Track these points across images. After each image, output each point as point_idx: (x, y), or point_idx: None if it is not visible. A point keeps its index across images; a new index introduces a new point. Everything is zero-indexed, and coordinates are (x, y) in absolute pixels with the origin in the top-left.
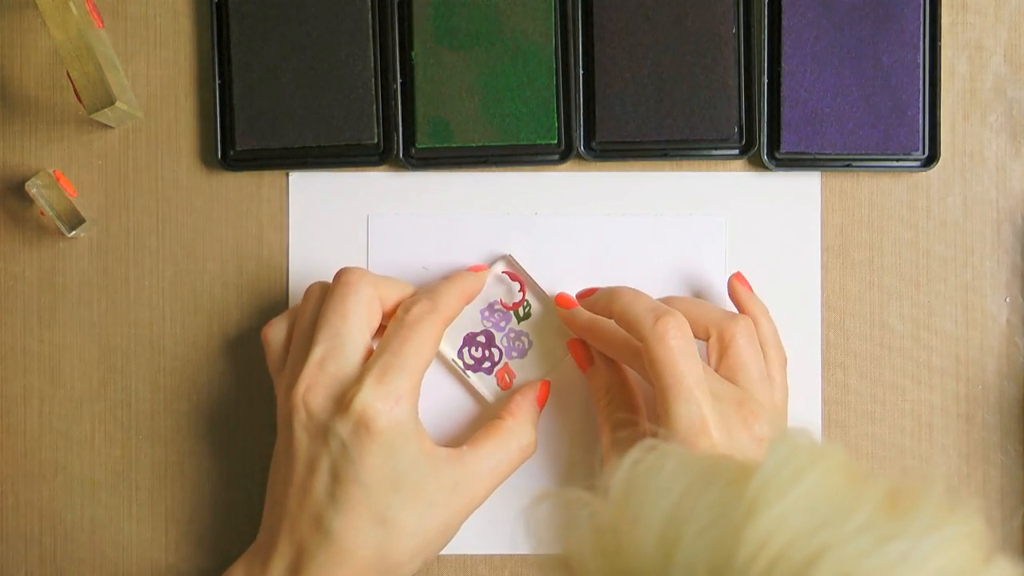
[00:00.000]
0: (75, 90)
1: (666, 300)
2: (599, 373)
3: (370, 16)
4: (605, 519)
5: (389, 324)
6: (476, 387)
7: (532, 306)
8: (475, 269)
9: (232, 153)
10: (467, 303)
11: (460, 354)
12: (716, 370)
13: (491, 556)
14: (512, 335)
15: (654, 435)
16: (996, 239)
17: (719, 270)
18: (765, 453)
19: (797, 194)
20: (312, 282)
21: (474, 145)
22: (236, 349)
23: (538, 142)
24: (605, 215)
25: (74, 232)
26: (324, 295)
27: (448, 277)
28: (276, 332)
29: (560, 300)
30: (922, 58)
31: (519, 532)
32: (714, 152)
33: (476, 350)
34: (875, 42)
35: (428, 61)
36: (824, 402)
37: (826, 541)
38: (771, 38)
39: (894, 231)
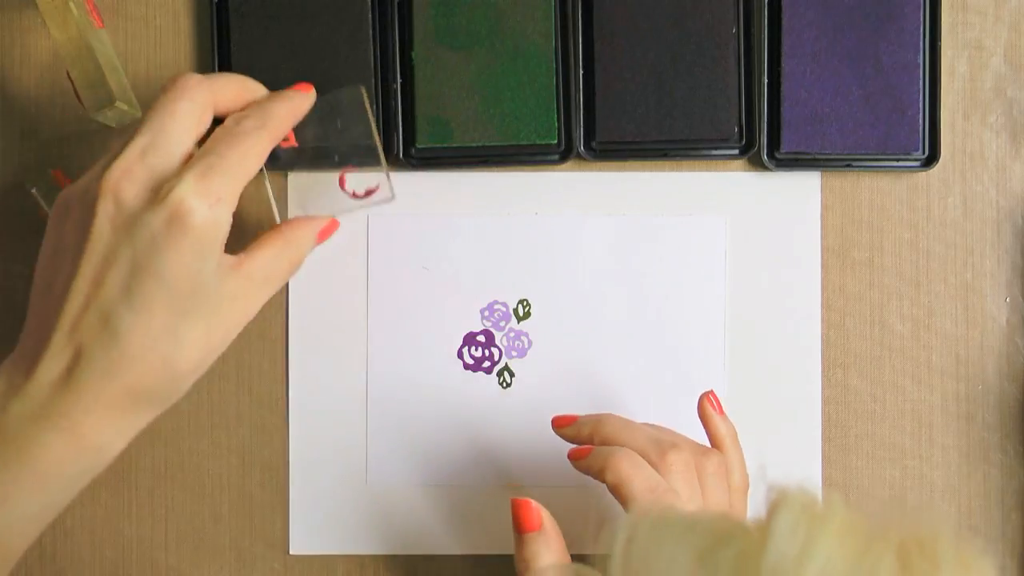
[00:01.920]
0: (75, 90)
1: (630, 427)
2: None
3: (370, 16)
4: None
5: (216, 131)
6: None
7: (532, 305)
8: (301, 87)
9: None
10: (295, 121)
11: (460, 354)
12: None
13: (493, 556)
14: (512, 335)
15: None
16: (996, 239)
17: (719, 270)
18: (769, 523)
19: (797, 194)
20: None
21: (474, 145)
22: (236, 349)
23: (538, 142)
24: (605, 215)
25: None
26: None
27: (278, 94)
28: None
29: (557, 422)
30: (922, 58)
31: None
32: (714, 152)
33: (476, 350)
34: (875, 42)
35: (428, 61)
36: (824, 402)
37: None
38: (771, 38)
39: (894, 231)
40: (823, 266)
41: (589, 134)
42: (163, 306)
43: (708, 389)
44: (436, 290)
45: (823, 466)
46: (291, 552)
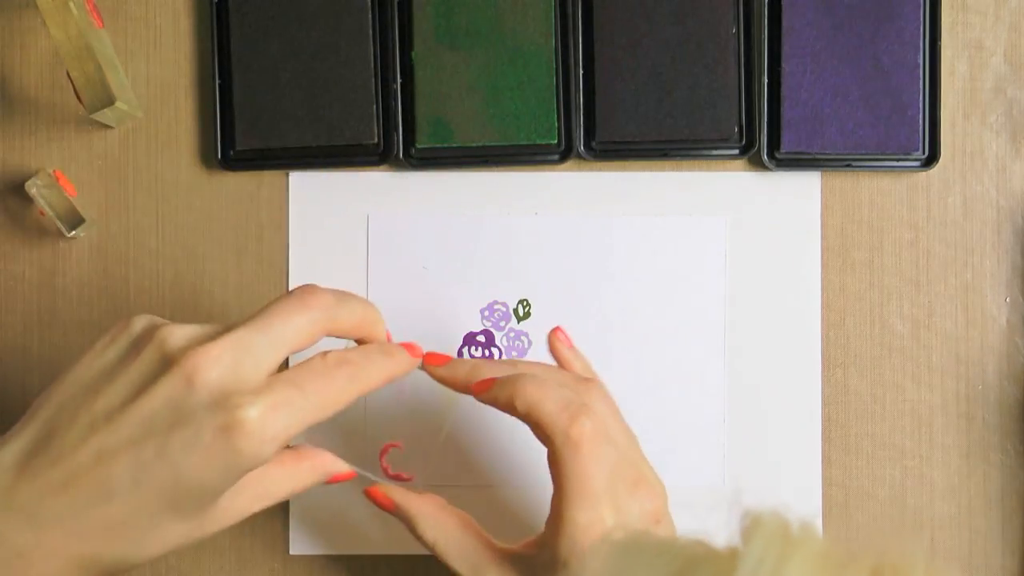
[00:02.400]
0: (75, 90)
1: (513, 362)
2: (414, 516)
3: (370, 16)
4: None
5: (315, 359)
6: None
7: (532, 305)
8: (407, 347)
9: (232, 153)
10: (387, 383)
11: (460, 354)
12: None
13: None
14: (512, 335)
15: None
16: (996, 239)
17: (719, 270)
18: (739, 552)
19: (797, 194)
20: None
21: (474, 145)
22: None
23: (538, 142)
24: (605, 215)
25: (74, 232)
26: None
27: (385, 348)
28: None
29: (429, 359)
30: (922, 58)
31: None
32: (714, 152)
33: (476, 350)
34: (875, 42)
35: (428, 61)
36: (824, 402)
37: None
38: (771, 38)
39: (894, 231)
40: (823, 266)
41: (589, 134)
42: (162, 496)
43: (555, 327)
44: (436, 290)
45: (823, 466)
46: (291, 552)
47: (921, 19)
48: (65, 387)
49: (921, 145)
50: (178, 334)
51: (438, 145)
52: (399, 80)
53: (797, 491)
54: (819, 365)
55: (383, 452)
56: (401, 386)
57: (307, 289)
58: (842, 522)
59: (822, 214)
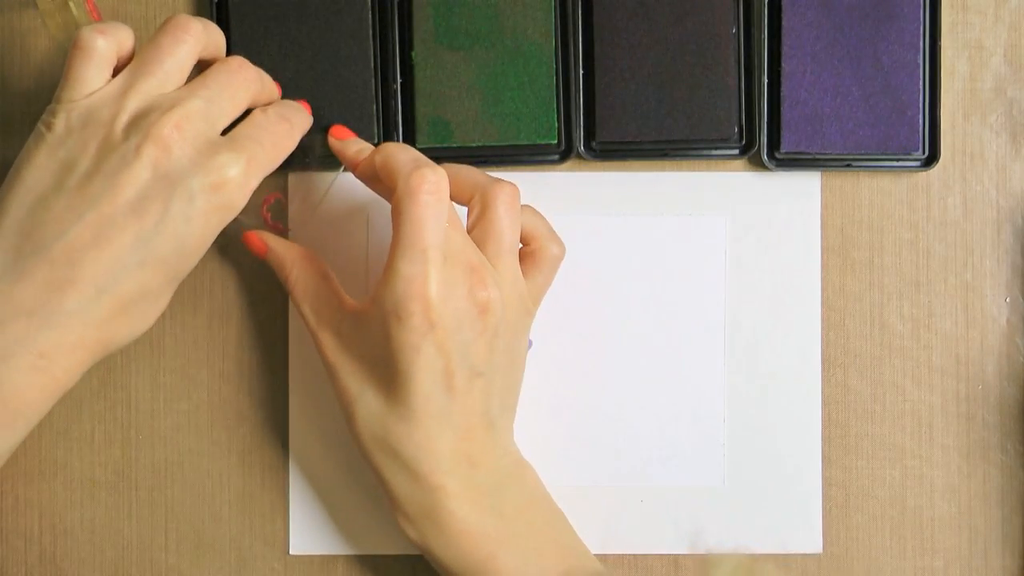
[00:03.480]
0: None
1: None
2: (277, 251)
3: (370, 16)
4: None
5: (257, 116)
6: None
7: None
8: (304, 104)
9: None
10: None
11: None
12: (469, 232)
13: None
14: None
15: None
16: (996, 239)
17: (719, 270)
18: None
19: (797, 194)
20: (181, 15)
21: (474, 145)
22: (236, 349)
23: (538, 142)
24: (605, 215)
25: None
26: (196, 45)
27: (299, 106)
28: (108, 43)
29: (335, 131)
30: (922, 58)
31: None
32: (714, 152)
33: None
34: (875, 42)
35: (428, 61)
36: (824, 402)
37: None
38: (771, 38)
39: (894, 231)
40: (823, 266)
41: (589, 134)
42: (166, 266)
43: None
44: None
45: (823, 466)
46: (291, 552)
47: (921, 19)
48: (24, 188)
49: (921, 145)
50: (129, 106)
51: (438, 145)
52: (399, 80)
53: (797, 491)
54: (819, 365)
55: (265, 201)
56: None
57: (236, 60)
58: (842, 522)
59: (822, 214)
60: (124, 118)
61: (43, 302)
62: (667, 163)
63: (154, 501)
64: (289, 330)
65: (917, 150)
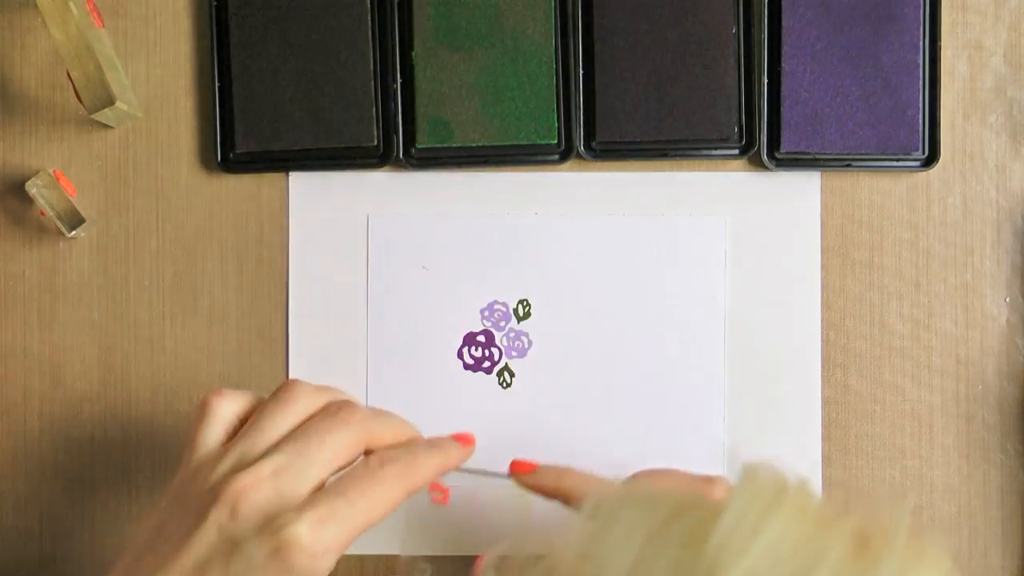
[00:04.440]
0: (75, 90)
1: (635, 475)
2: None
3: (370, 17)
4: (564, 573)
5: (356, 467)
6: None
7: (532, 305)
8: (460, 438)
9: (231, 156)
10: (443, 474)
11: (460, 354)
12: None
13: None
14: (512, 335)
15: None
16: (996, 239)
17: (719, 270)
18: (728, 501)
19: (797, 194)
20: (300, 382)
21: (474, 145)
22: (236, 349)
23: (538, 142)
24: (605, 215)
25: (74, 232)
26: (307, 407)
27: (432, 441)
28: (229, 406)
29: (516, 467)
30: (922, 58)
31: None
32: (714, 152)
33: (476, 350)
34: (875, 42)
35: (428, 61)
36: (824, 402)
37: None
38: (771, 38)
39: (894, 231)
40: (823, 266)
41: (589, 134)
42: None
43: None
44: (436, 290)
45: (823, 466)
46: None
47: (921, 19)
48: (131, 545)
49: (921, 145)
50: (213, 469)
51: (438, 145)
52: (399, 80)
53: None
54: (819, 365)
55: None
56: None
57: (343, 406)
58: None
59: (822, 214)
60: (213, 478)
61: None
62: (667, 163)
63: (154, 501)
64: (289, 330)
65: (917, 150)
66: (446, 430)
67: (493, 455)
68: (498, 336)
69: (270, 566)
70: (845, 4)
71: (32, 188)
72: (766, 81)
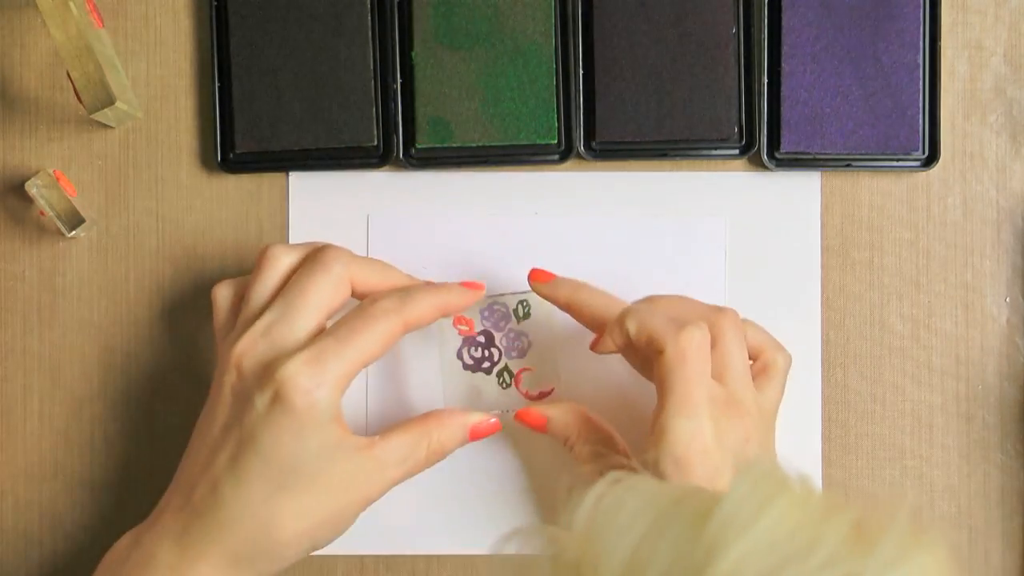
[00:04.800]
0: (75, 90)
1: (650, 298)
2: (558, 422)
3: (370, 17)
4: (568, 558)
5: (350, 310)
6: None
7: (532, 306)
8: (469, 285)
9: (231, 156)
10: (442, 315)
11: (460, 354)
12: None
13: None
14: (512, 335)
15: (628, 466)
16: (996, 239)
17: (719, 270)
18: (730, 486)
19: (797, 194)
20: (274, 245)
21: (474, 145)
22: None
23: (538, 142)
24: (605, 215)
25: (74, 232)
26: (289, 264)
27: (432, 285)
28: (224, 292)
29: (536, 275)
30: (922, 58)
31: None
32: (714, 152)
33: (476, 350)
34: (875, 42)
35: (428, 61)
36: (824, 402)
37: None
38: (771, 38)
39: (894, 231)
40: (823, 266)
41: (589, 134)
42: (262, 479)
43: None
44: None
45: (823, 466)
46: None
47: (921, 19)
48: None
49: (921, 145)
50: (227, 344)
51: (438, 145)
52: (399, 80)
53: None
54: (819, 365)
55: (517, 379)
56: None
57: (320, 251)
58: None
59: (822, 214)
60: (223, 353)
61: (177, 529)
62: (667, 163)
63: (154, 501)
64: None
65: (917, 150)
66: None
67: (493, 455)
68: (498, 336)
69: (274, 410)
70: (845, 4)
71: (32, 188)
72: (766, 81)
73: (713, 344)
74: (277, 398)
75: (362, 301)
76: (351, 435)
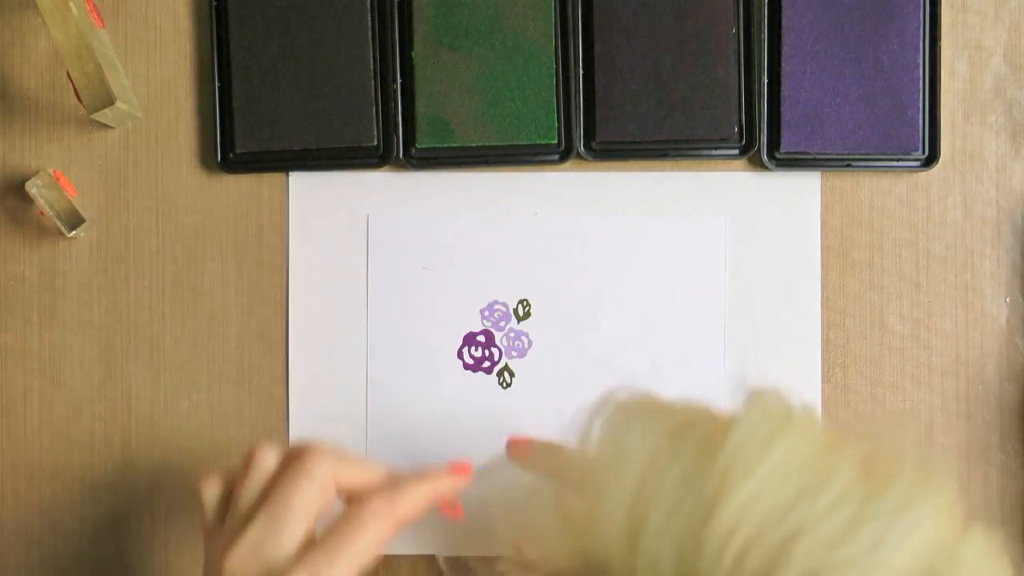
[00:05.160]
0: (75, 90)
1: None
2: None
3: (370, 17)
4: (574, 477)
5: (340, 514)
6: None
7: (532, 305)
8: (457, 469)
9: (231, 156)
10: (433, 504)
11: (460, 354)
12: None
13: (492, 556)
14: (512, 335)
15: None
16: (996, 239)
17: (719, 270)
18: (738, 417)
19: (797, 194)
20: (262, 447)
21: (474, 145)
22: (236, 349)
23: (538, 142)
24: (605, 215)
25: (74, 232)
26: (275, 464)
27: (420, 475)
28: (211, 490)
29: (513, 448)
30: (922, 58)
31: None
32: (714, 152)
33: (476, 350)
34: (875, 42)
35: (428, 61)
36: (824, 402)
37: (798, 525)
38: (771, 38)
39: (894, 231)
40: (823, 266)
41: (589, 134)
42: None
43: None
44: (436, 290)
45: None
46: None
47: (921, 19)
48: None
49: (921, 145)
50: (215, 554)
51: (438, 145)
52: (399, 80)
53: None
54: (819, 365)
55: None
56: None
57: (301, 454)
58: None
59: (822, 214)
60: (213, 564)
61: None
62: (667, 163)
63: (154, 501)
64: (289, 330)
65: (917, 150)
66: (446, 430)
67: (493, 455)
68: (498, 336)
69: None
70: (845, 4)
71: (32, 188)
72: (766, 81)
73: None
74: None
75: (350, 505)
76: None
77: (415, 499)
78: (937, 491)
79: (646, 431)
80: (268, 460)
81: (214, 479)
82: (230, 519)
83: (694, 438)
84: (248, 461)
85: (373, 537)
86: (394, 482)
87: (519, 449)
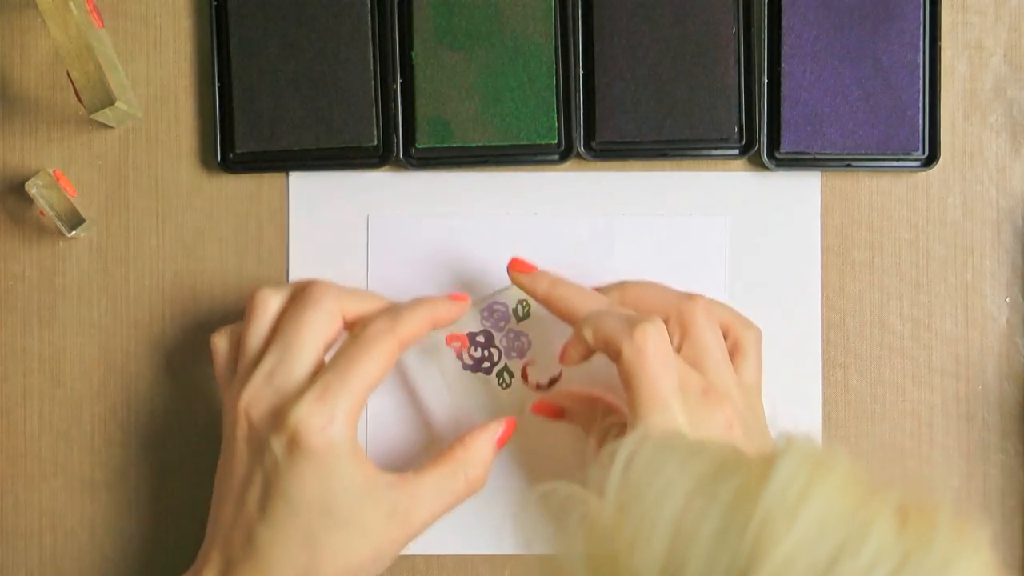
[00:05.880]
0: (75, 90)
1: (620, 285)
2: (575, 408)
3: (369, 17)
4: (600, 525)
5: (345, 340)
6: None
7: (532, 306)
8: (455, 298)
9: (232, 156)
10: (433, 327)
11: (460, 354)
12: (677, 352)
13: (492, 556)
14: (512, 335)
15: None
16: (996, 239)
17: (719, 270)
18: (771, 467)
19: (797, 194)
20: (262, 289)
21: (474, 145)
22: None
23: (538, 142)
24: (605, 215)
25: (74, 232)
26: (279, 305)
27: (419, 299)
28: (221, 342)
29: (516, 265)
30: (922, 58)
31: (512, 531)
32: (714, 152)
33: (476, 350)
34: (875, 42)
35: (428, 61)
36: (824, 402)
37: None
38: (771, 38)
39: (894, 231)
40: (823, 266)
41: (589, 134)
42: (294, 525)
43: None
44: (436, 290)
45: None
46: None
47: (921, 19)
48: (213, 499)
49: (921, 145)
50: (232, 395)
51: (438, 145)
52: (399, 80)
53: None
54: (819, 365)
55: (524, 375)
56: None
57: (307, 288)
58: None
59: (822, 214)
60: (230, 404)
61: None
62: (667, 163)
63: (154, 501)
64: None
65: (917, 150)
66: (446, 431)
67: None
68: (498, 336)
69: (294, 454)
70: (845, 4)
71: (32, 188)
72: (766, 81)
73: (685, 333)
74: (294, 442)
75: (354, 330)
76: (379, 472)
77: (415, 321)
78: (974, 548)
79: (676, 476)
80: (271, 301)
81: (223, 332)
82: (241, 359)
83: (726, 489)
84: (251, 304)
85: (379, 356)
86: (395, 308)
87: (521, 266)
